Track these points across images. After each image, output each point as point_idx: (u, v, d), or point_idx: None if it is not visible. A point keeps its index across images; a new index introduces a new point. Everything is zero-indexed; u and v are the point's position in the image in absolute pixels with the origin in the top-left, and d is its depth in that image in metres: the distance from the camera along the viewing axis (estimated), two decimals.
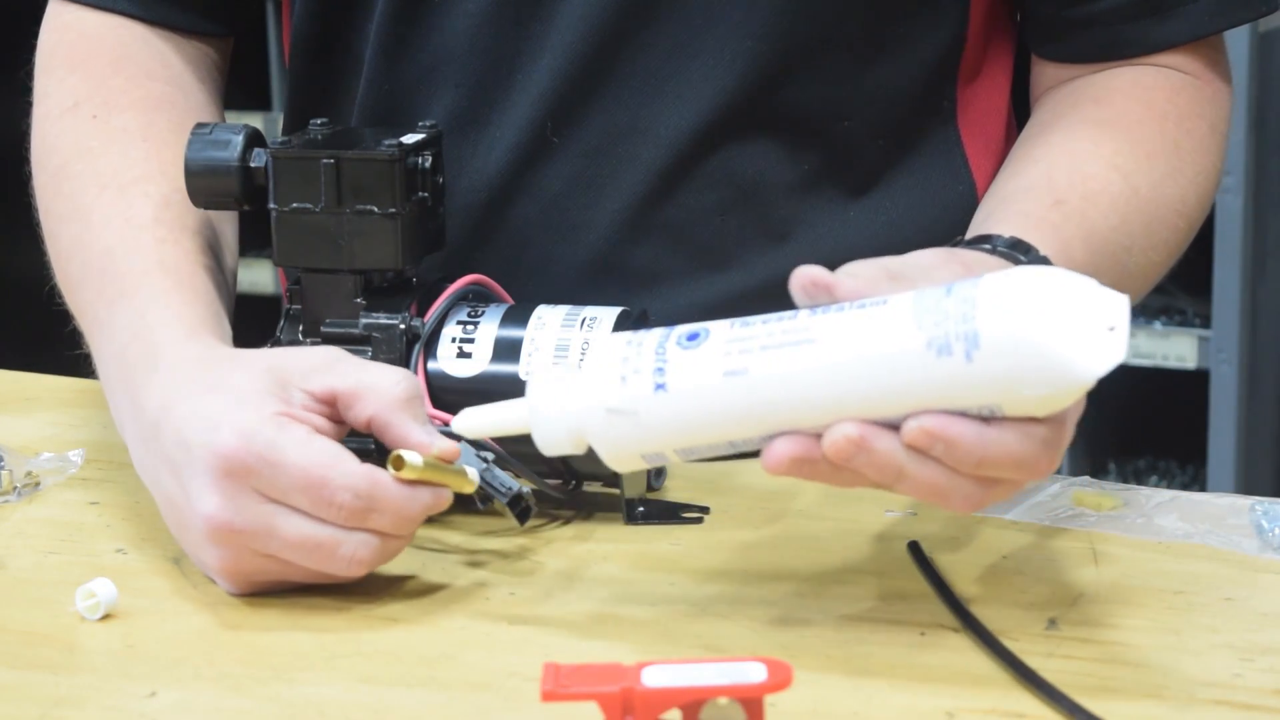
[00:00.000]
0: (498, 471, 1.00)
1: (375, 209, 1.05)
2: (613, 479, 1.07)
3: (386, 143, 1.06)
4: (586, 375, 0.90)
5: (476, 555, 1.04)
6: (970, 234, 1.06)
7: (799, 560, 1.02)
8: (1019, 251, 1.01)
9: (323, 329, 1.07)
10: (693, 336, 0.89)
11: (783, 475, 0.88)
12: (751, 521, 1.07)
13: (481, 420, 0.95)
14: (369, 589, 0.98)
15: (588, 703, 0.80)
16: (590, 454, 0.91)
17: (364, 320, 1.07)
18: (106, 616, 0.97)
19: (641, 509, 1.07)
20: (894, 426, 0.87)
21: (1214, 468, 2.53)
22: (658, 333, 0.90)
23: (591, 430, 0.90)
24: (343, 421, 0.99)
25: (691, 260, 1.19)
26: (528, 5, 1.16)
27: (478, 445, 1.01)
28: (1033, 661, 0.90)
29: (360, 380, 0.98)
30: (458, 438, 0.97)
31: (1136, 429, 2.76)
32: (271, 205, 1.07)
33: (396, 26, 1.19)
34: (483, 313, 1.08)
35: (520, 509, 1.01)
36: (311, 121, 1.10)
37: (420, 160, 1.06)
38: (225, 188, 1.08)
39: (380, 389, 0.97)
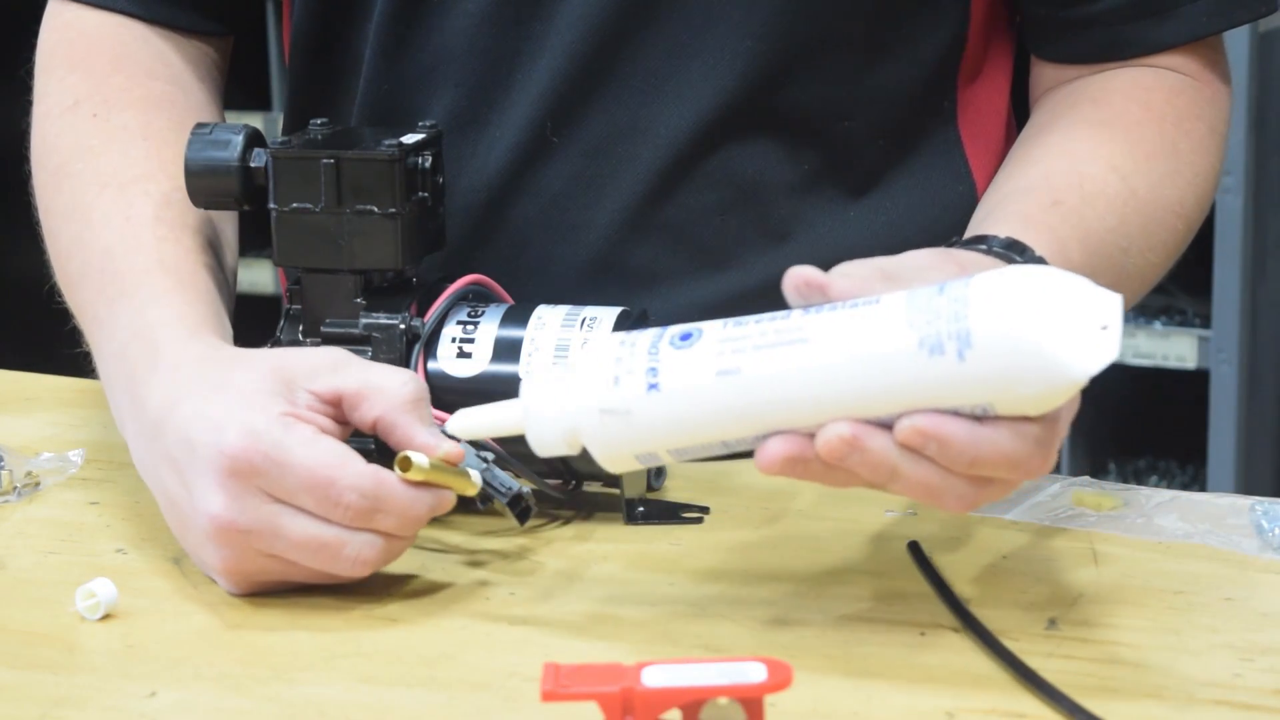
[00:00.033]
0: (498, 471, 1.00)
1: (375, 209, 1.05)
2: (613, 479, 1.07)
3: (386, 143, 1.06)
4: (580, 376, 0.90)
5: (477, 555, 1.04)
6: (968, 235, 1.06)
7: (799, 560, 1.02)
8: (1015, 252, 1.01)
9: (323, 329, 1.07)
10: (686, 336, 0.89)
11: (776, 475, 0.88)
12: (751, 521, 1.07)
13: (476, 421, 0.95)
14: (369, 589, 0.98)
15: (588, 703, 0.80)
16: (587, 454, 0.91)
17: (364, 320, 1.07)
18: (106, 616, 0.97)
19: (641, 509, 1.07)
20: (887, 426, 0.87)
21: (1214, 468, 2.53)
22: (651, 333, 0.90)
23: (585, 431, 0.90)
24: (347, 422, 0.99)
25: (691, 260, 1.19)
26: (527, 5, 1.16)
27: (478, 445, 1.01)
28: (1033, 661, 0.90)
29: (367, 381, 0.98)
30: (456, 439, 0.97)
31: (1136, 429, 2.76)
32: (271, 205, 1.07)
33: (396, 26, 1.19)
34: (483, 313, 1.08)
35: (520, 509, 1.01)
36: (311, 121, 1.10)
37: (420, 160, 1.06)
38: (225, 188, 1.08)
39: (387, 390, 0.98)
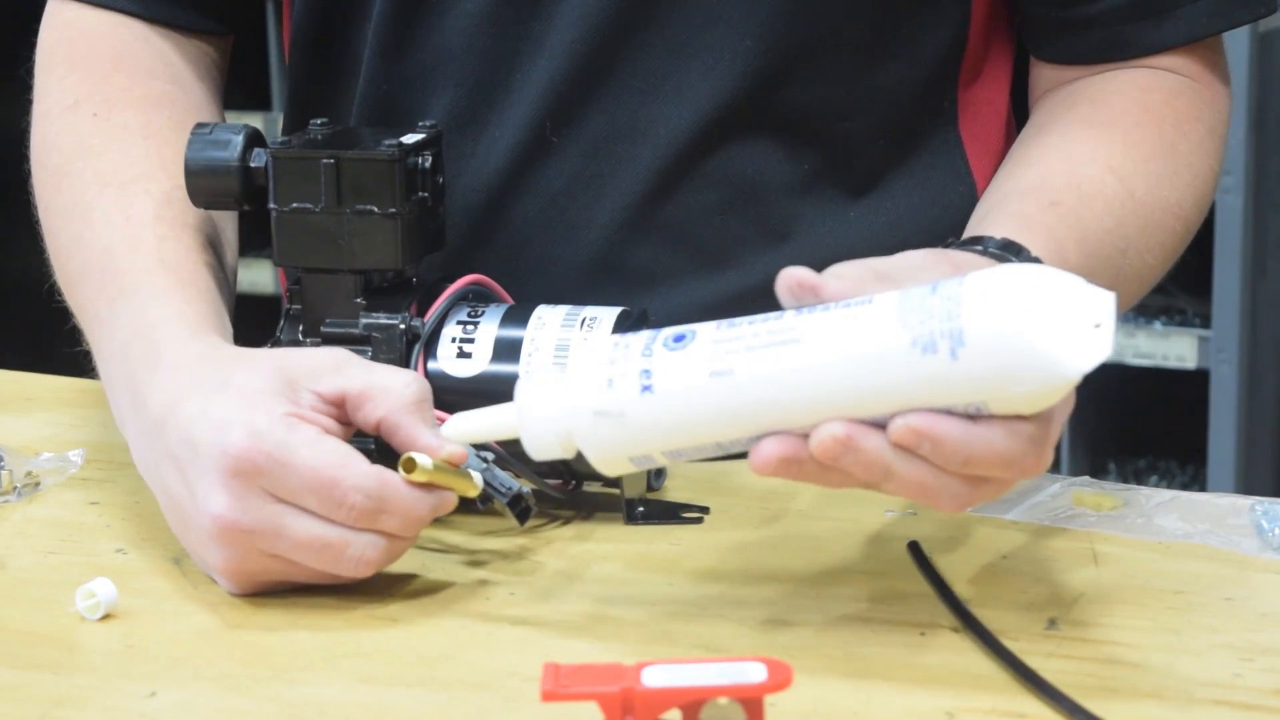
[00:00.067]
0: (498, 471, 1.00)
1: (375, 209, 1.05)
2: (613, 479, 1.07)
3: (386, 143, 1.06)
4: (574, 379, 0.90)
5: (477, 555, 1.04)
6: (965, 236, 1.06)
7: (799, 560, 1.02)
8: (1011, 253, 1.01)
9: (323, 329, 1.07)
10: (679, 338, 0.89)
11: (770, 476, 0.88)
12: (751, 521, 1.07)
13: (470, 426, 0.95)
14: (369, 589, 0.98)
15: (588, 703, 0.80)
16: (582, 456, 0.91)
17: (364, 320, 1.07)
18: (106, 616, 0.97)
19: (641, 509, 1.07)
20: (881, 426, 0.87)
21: (1214, 468, 2.53)
22: (644, 335, 0.90)
23: (579, 433, 0.90)
24: (349, 423, 0.99)
25: (691, 260, 1.19)
26: (527, 5, 1.16)
27: (478, 445, 1.01)
28: (1033, 661, 0.90)
29: (370, 382, 0.98)
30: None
31: (1136, 429, 2.76)
32: (271, 205, 1.07)
33: (395, 26, 1.19)
34: (483, 313, 1.08)
35: (520, 509, 1.01)
36: (311, 121, 1.10)
37: (420, 160, 1.06)
38: (225, 188, 1.08)
39: (391, 391, 0.98)
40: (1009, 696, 0.88)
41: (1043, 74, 1.23)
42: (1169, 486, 2.43)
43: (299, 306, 1.08)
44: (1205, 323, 2.54)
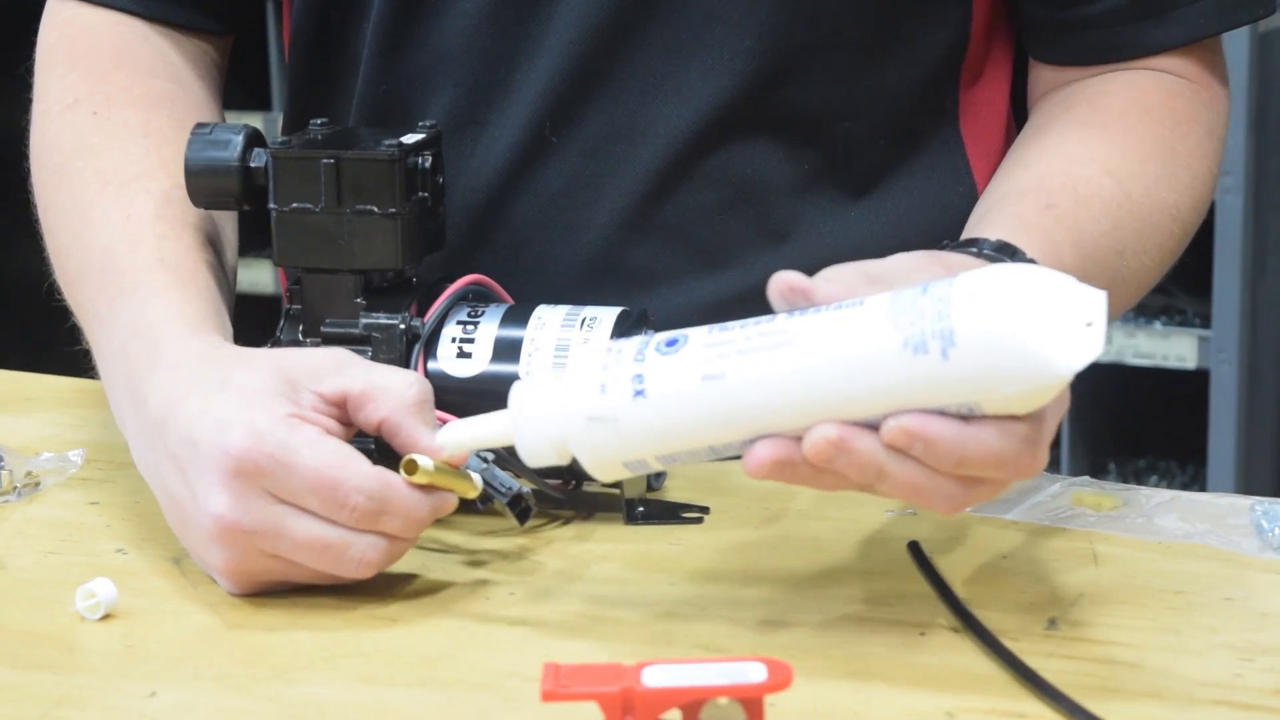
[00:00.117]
0: (498, 471, 1.00)
1: (375, 209, 1.05)
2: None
3: (386, 143, 1.06)
4: (567, 385, 0.90)
5: (477, 555, 1.04)
6: (962, 237, 1.06)
7: (799, 560, 1.02)
8: (1006, 255, 1.01)
9: (323, 329, 1.07)
10: (671, 343, 0.89)
11: (764, 479, 0.88)
12: (751, 521, 1.07)
13: (465, 434, 0.95)
14: (369, 589, 0.98)
15: (588, 703, 0.80)
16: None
17: (364, 320, 1.07)
18: (106, 616, 0.97)
19: (641, 509, 1.07)
20: (874, 427, 0.87)
21: (1214, 468, 2.53)
22: (637, 340, 0.90)
23: (573, 439, 0.90)
24: (350, 423, 0.99)
25: (691, 260, 1.19)
26: (526, 5, 1.16)
27: None
28: (1033, 661, 0.90)
29: (371, 382, 0.98)
30: None
31: (1136, 429, 2.76)
32: (271, 205, 1.07)
33: (394, 26, 1.19)
34: (483, 313, 1.08)
35: (520, 509, 1.01)
36: (311, 121, 1.10)
37: (420, 160, 1.06)
38: (225, 188, 1.08)
39: (392, 392, 0.98)
40: (1009, 696, 0.88)
41: (1041, 75, 1.23)
42: (1169, 486, 2.43)
43: (299, 306, 1.08)
44: (1205, 323, 2.54)
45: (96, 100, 1.19)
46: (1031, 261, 1.01)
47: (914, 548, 1.01)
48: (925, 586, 0.98)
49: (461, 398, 1.04)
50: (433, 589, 1.00)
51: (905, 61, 1.19)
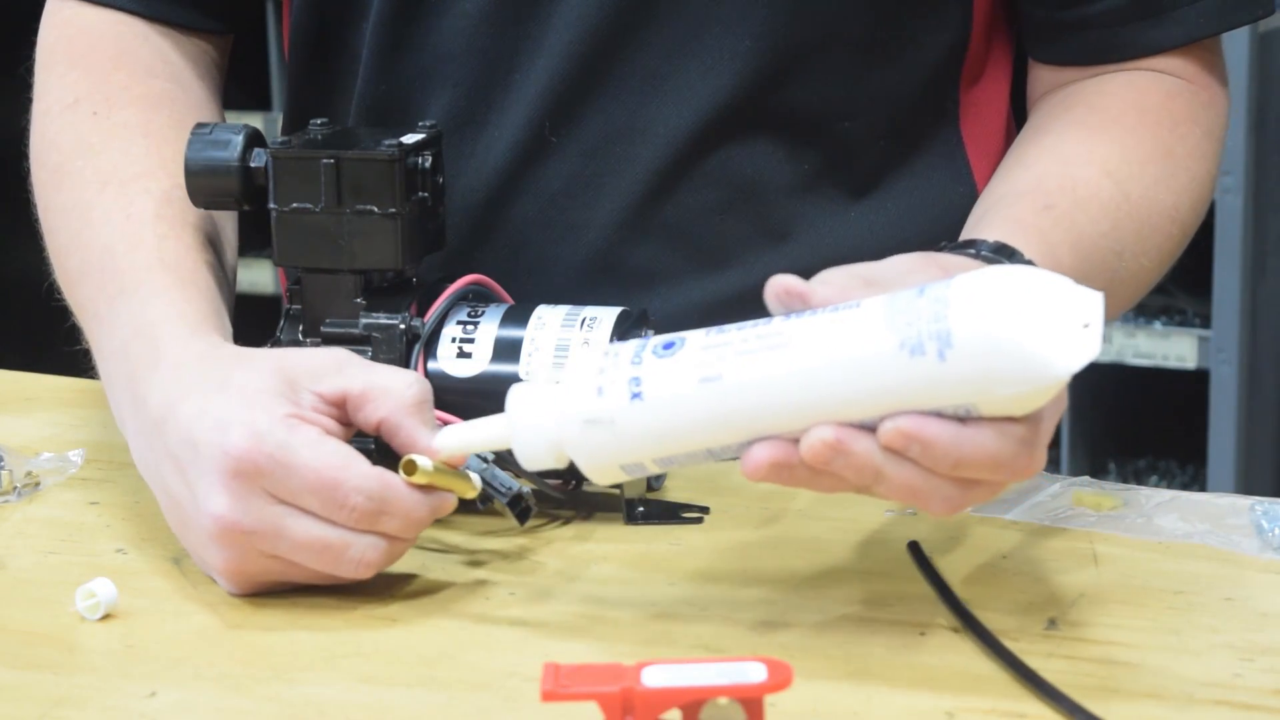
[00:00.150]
0: (498, 471, 1.00)
1: (375, 209, 1.05)
2: None
3: (386, 143, 1.06)
4: (564, 388, 0.90)
5: (476, 555, 1.04)
6: (960, 239, 1.06)
7: (799, 560, 1.02)
8: (1004, 256, 1.01)
9: (323, 329, 1.07)
10: (668, 345, 0.89)
11: (762, 481, 0.88)
12: (751, 522, 1.07)
13: (463, 439, 0.95)
14: (369, 589, 0.98)
15: (588, 703, 0.80)
16: None
17: (364, 320, 1.07)
18: (106, 616, 0.97)
19: (641, 509, 1.07)
20: (872, 429, 0.87)
21: (1214, 468, 2.53)
22: (634, 343, 0.90)
23: (570, 442, 0.90)
24: (350, 424, 0.99)
25: (691, 260, 1.19)
26: (525, 5, 1.16)
27: None
28: (1033, 661, 0.90)
29: (371, 383, 0.98)
30: None
31: (1136, 429, 2.76)
32: (271, 205, 1.07)
33: (393, 26, 1.19)
34: (483, 313, 1.08)
35: (520, 509, 1.01)
36: (311, 121, 1.10)
37: (420, 160, 1.06)
38: (225, 187, 1.08)
39: (392, 392, 0.97)
40: (1009, 696, 0.88)
41: (1040, 76, 1.23)
42: (1169, 486, 2.43)
43: (299, 306, 1.08)
44: (1205, 323, 2.54)
45: (96, 100, 1.19)
46: (1029, 263, 1.01)
47: (914, 548, 1.01)
48: (925, 586, 0.98)
49: (461, 398, 1.04)
50: (433, 589, 1.00)
51: (905, 62, 1.19)
